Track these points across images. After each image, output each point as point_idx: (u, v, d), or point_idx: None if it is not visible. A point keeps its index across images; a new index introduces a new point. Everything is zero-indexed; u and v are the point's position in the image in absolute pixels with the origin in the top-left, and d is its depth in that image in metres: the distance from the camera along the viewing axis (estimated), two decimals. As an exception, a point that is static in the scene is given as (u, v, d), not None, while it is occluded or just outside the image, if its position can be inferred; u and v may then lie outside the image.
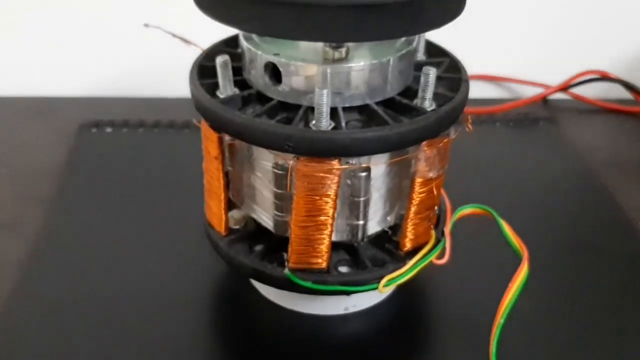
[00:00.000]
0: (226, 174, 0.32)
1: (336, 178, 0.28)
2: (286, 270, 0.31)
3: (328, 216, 0.30)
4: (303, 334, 0.34)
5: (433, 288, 0.37)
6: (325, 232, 0.30)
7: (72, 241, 0.39)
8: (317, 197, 0.29)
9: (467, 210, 0.35)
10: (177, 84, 0.55)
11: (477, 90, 0.41)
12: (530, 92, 0.58)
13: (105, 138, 0.48)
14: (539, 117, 0.53)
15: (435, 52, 0.34)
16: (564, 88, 0.58)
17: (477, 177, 0.45)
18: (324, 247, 0.31)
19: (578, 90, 0.58)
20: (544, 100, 0.58)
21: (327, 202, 0.29)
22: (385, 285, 0.31)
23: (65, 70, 0.56)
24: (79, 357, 0.32)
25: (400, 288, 0.36)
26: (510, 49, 0.59)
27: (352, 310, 0.35)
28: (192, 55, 0.33)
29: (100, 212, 0.41)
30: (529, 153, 0.49)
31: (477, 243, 0.38)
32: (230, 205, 0.33)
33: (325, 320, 0.35)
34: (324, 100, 0.27)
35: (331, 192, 0.29)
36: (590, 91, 0.58)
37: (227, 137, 0.31)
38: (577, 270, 0.38)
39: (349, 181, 0.30)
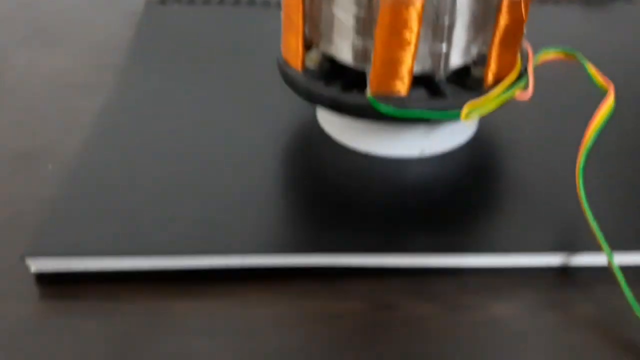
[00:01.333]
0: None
1: (424, -14, 0.28)
2: (368, 94, 0.30)
3: (413, 32, 0.29)
4: (377, 175, 0.34)
5: (511, 137, 0.36)
6: (409, 49, 0.29)
7: (145, 99, 0.39)
8: (404, 8, 0.28)
9: (550, 53, 0.34)
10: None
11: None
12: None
13: (171, 14, 0.48)
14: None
15: None
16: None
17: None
18: (406, 68, 0.30)
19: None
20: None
21: (412, 15, 0.28)
22: (468, 113, 0.31)
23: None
24: (153, 196, 0.32)
25: (477, 136, 0.36)
26: None
27: (427, 152, 0.34)
28: None
29: (170, 75, 0.41)
30: (605, 32, 0.47)
31: (555, 92, 0.37)
32: (306, 45, 0.33)
33: (399, 163, 0.34)
34: None
35: (418, 3, 0.28)
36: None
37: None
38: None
39: (434, 0, 0.29)
